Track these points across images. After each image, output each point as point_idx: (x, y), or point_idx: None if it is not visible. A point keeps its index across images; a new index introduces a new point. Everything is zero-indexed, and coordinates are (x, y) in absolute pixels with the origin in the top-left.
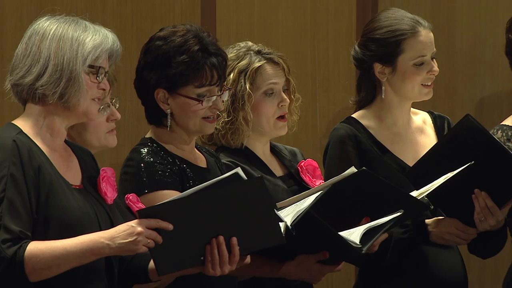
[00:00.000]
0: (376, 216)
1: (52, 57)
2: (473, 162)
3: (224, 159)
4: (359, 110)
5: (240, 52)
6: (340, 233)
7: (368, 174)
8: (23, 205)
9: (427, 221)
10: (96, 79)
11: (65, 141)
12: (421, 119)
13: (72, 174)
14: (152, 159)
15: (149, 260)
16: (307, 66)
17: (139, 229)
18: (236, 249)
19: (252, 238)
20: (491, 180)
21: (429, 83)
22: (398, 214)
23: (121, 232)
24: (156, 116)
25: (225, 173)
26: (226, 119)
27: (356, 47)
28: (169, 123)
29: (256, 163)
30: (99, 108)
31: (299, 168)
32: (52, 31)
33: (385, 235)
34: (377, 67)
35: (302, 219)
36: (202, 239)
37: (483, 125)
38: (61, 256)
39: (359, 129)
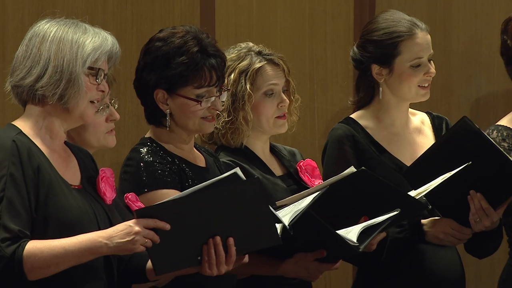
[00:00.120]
0: (375, 216)
1: (52, 59)
2: (471, 162)
3: (224, 158)
4: (357, 110)
5: (241, 52)
6: (337, 231)
7: (367, 173)
8: (22, 204)
9: (423, 221)
10: (96, 81)
11: (65, 142)
12: (419, 120)
13: (71, 174)
14: (151, 159)
15: (147, 260)
16: (305, 66)
17: (137, 228)
18: (233, 249)
19: (248, 239)
20: (486, 181)
21: (426, 85)
22: (395, 213)
23: (119, 232)
24: (155, 116)
25: (223, 173)
26: (227, 119)
27: (355, 48)
28: (168, 123)
29: (255, 162)
30: (98, 109)
31: (298, 168)
32: (52, 33)
33: (383, 234)
34: (375, 68)
35: (300, 218)
36: (199, 239)
37: (479, 125)
38: (59, 255)
39: (357, 129)
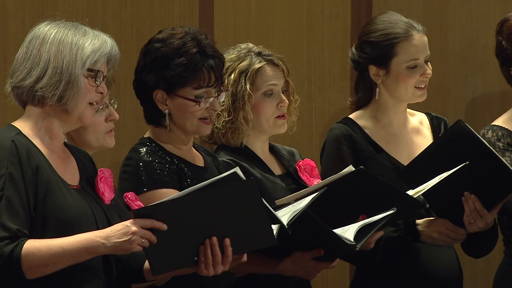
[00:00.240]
0: (373, 214)
1: (52, 60)
2: (468, 162)
3: (224, 158)
4: (356, 110)
5: (241, 53)
6: (334, 230)
7: (366, 172)
8: (21, 203)
9: (418, 221)
10: (95, 82)
11: (64, 144)
12: (418, 120)
13: (70, 174)
14: (150, 159)
15: (145, 260)
16: (303, 67)
17: (134, 228)
18: (229, 250)
19: (244, 239)
20: (481, 183)
21: (423, 86)
22: (391, 211)
23: (116, 232)
24: (154, 116)
25: (222, 172)
26: (227, 119)
27: (353, 49)
28: (167, 124)
29: (255, 161)
30: (98, 109)
31: (297, 167)
32: (52, 35)
33: (381, 233)
34: (372, 69)
35: (298, 218)
36: (196, 239)
37: (475, 124)
38: (57, 254)
39: (354, 129)
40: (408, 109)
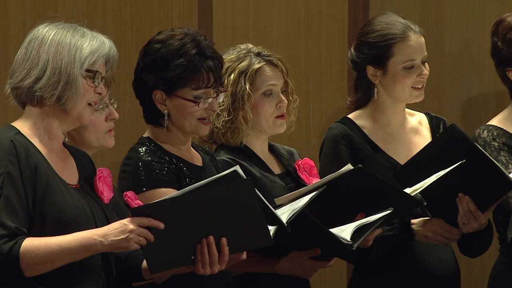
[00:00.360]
0: (371, 212)
1: (50, 61)
2: (464, 160)
3: (224, 157)
4: (355, 110)
5: (240, 53)
6: (331, 230)
7: (364, 171)
8: (20, 202)
9: (413, 220)
10: (93, 83)
11: (64, 144)
12: (417, 120)
13: (69, 173)
14: (149, 158)
15: (143, 260)
16: (301, 67)
17: (131, 226)
18: (226, 249)
19: (241, 239)
20: (475, 185)
21: (420, 86)
22: (388, 212)
23: (114, 230)
24: (153, 117)
25: (220, 171)
26: (226, 118)
27: (352, 50)
28: (166, 124)
29: (255, 160)
30: (98, 108)
31: (296, 166)
32: (51, 36)
33: (379, 230)
34: (370, 70)
35: (296, 217)
36: (193, 238)
37: (470, 124)
38: (55, 252)
39: (352, 129)
40: (407, 109)
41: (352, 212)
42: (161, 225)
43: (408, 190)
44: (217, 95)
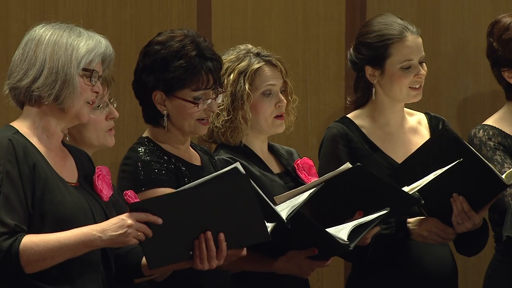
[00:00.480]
0: (369, 210)
1: (47, 61)
2: (462, 159)
3: (224, 156)
4: (355, 110)
5: (240, 54)
6: (328, 229)
7: (362, 169)
8: (19, 200)
9: (409, 219)
10: (90, 82)
11: (63, 143)
12: (416, 120)
13: (68, 172)
14: (149, 158)
15: (143, 257)
16: (299, 68)
17: (129, 221)
18: (223, 244)
19: (239, 234)
20: (469, 186)
21: (417, 86)
22: (385, 212)
23: (112, 225)
24: (153, 117)
25: (219, 170)
26: (226, 118)
27: (351, 50)
28: (165, 124)
29: (254, 160)
30: (99, 106)
31: (295, 166)
32: (48, 36)
33: (377, 228)
34: (368, 70)
35: (292, 218)
36: (191, 234)
37: (466, 124)
38: (54, 248)
39: (351, 128)
40: (406, 109)
41: (351, 210)
42: (159, 220)
43: (406, 189)
44: (216, 96)
